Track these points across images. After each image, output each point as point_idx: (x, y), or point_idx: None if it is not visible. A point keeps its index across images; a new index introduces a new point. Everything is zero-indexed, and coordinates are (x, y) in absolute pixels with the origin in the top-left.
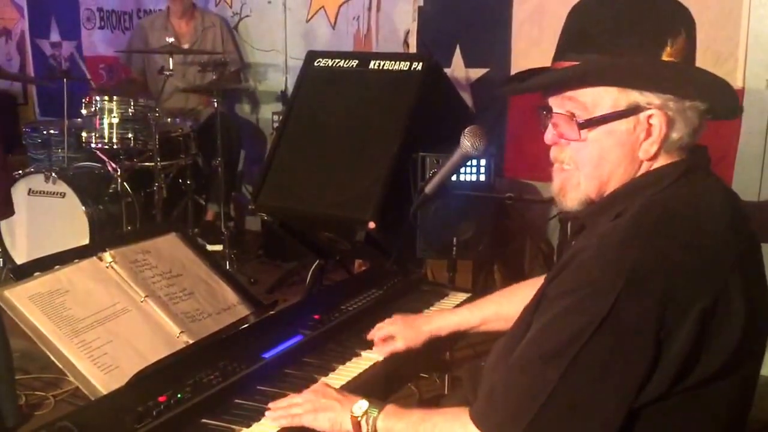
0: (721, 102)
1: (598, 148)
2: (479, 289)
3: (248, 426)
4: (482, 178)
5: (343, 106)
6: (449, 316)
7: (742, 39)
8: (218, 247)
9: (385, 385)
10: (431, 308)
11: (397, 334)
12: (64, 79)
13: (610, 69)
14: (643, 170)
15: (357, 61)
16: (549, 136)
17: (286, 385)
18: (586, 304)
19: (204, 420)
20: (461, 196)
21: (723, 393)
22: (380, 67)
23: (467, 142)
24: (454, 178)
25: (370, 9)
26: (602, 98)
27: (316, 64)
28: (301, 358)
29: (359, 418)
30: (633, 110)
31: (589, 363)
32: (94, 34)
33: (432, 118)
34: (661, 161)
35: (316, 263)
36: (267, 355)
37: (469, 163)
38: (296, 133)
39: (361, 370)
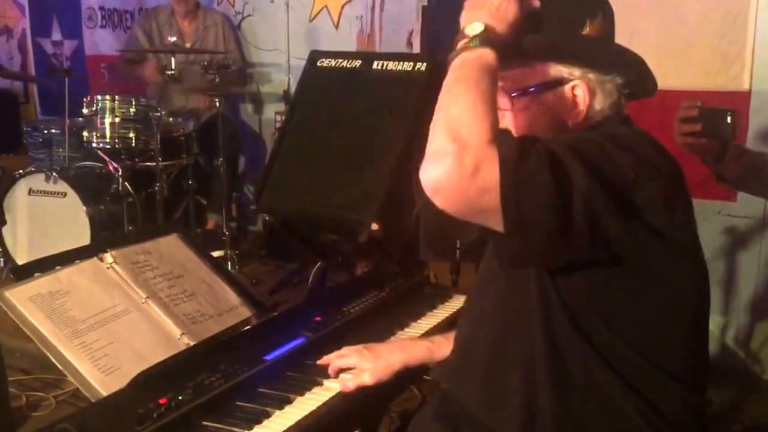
0: (635, 75)
1: (528, 116)
2: None
3: (250, 428)
4: None
5: (347, 106)
6: (422, 343)
7: (749, 41)
8: (220, 253)
9: (386, 390)
10: (434, 310)
11: (363, 366)
12: (66, 78)
13: (534, 44)
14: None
15: (360, 61)
16: None
17: (288, 388)
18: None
19: (205, 422)
20: None
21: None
22: (384, 68)
23: None
24: None
25: (373, 8)
26: (530, 72)
27: (319, 63)
28: (303, 360)
29: None
30: (558, 82)
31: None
32: (96, 33)
33: None
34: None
35: (317, 264)
36: (269, 357)
37: None
38: (299, 133)
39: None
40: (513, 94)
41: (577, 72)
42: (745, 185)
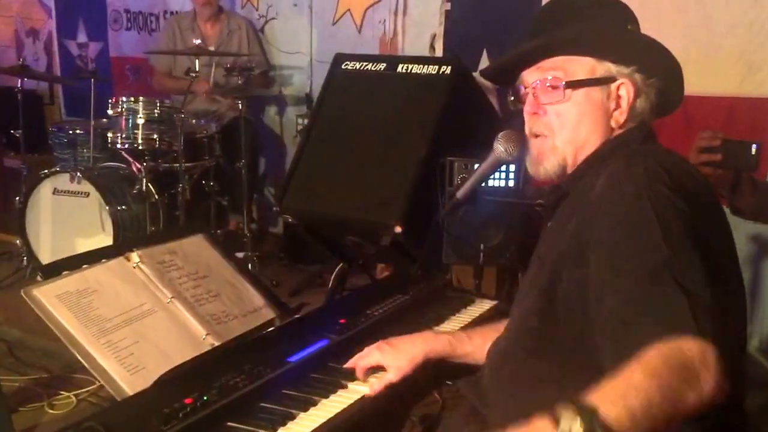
0: (673, 81)
1: (578, 110)
2: (504, 296)
3: (274, 430)
4: (511, 183)
5: (371, 109)
6: (444, 336)
7: None
8: (240, 255)
9: (406, 395)
10: (458, 314)
11: (386, 363)
12: (91, 80)
13: (584, 35)
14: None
15: (385, 64)
16: (529, 107)
17: (313, 390)
18: (634, 220)
19: (230, 423)
20: (490, 202)
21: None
22: (408, 71)
23: (501, 147)
24: (483, 183)
25: (396, 12)
26: (581, 66)
27: (343, 66)
28: (326, 363)
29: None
30: (607, 80)
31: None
32: (121, 35)
33: (460, 122)
34: (623, 129)
35: (339, 267)
36: (293, 359)
37: (499, 169)
38: (322, 135)
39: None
40: (564, 83)
41: (625, 70)
42: (764, 217)
